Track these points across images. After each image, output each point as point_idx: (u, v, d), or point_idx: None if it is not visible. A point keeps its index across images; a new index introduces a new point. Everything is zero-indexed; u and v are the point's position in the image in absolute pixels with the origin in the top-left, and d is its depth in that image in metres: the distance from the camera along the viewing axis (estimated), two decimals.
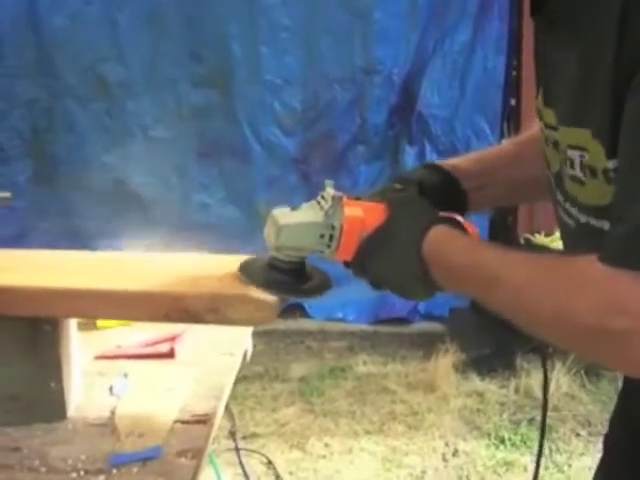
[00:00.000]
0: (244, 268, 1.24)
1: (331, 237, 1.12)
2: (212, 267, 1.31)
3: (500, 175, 1.27)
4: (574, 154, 0.92)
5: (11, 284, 1.27)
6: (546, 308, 0.86)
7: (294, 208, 1.15)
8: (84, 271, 1.36)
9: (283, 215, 1.14)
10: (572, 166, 0.94)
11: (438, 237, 1.04)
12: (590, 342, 0.83)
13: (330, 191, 1.13)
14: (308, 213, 1.14)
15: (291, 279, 1.18)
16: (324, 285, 1.22)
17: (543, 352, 1.32)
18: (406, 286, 1.09)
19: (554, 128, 0.98)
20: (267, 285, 1.19)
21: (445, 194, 1.21)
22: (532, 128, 1.20)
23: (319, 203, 1.14)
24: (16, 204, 4.00)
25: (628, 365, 0.83)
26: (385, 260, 1.09)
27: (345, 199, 1.13)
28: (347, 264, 1.14)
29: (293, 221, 1.13)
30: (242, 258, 1.27)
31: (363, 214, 1.11)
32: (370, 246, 1.10)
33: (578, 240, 0.99)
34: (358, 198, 1.15)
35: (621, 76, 0.81)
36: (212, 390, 1.48)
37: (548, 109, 1.01)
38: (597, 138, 0.87)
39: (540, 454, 1.37)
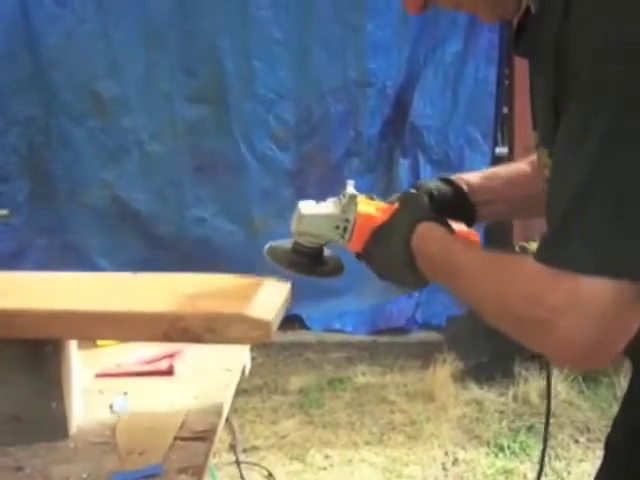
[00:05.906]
0: (270, 250, 1.37)
1: (345, 229, 1.29)
2: (210, 287, 1.34)
3: (510, 191, 1.38)
4: (544, 173, 1.02)
5: (12, 307, 1.29)
6: (490, 299, 0.99)
7: (318, 202, 1.33)
8: (83, 293, 1.38)
9: (306, 206, 1.32)
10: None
11: (425, 230, 1.18)
12: (521, 330, 0.94)
13: (349, 189, 1.30)
14: (328, 206, 1.32)
15: (310, 261, 1.35)
16: (338, 269, 1.38)
17: (548, 367, 1.40)
18: (400, 274, 1.22)
19: (537, 149, 1.07)
20: (289, 265, 1.35)
21: (455, 205, 1.34)
22: None
23: (340, 199, 1.31)
24: (14, 221, 4.03)
25: (551, 351, 0.92)
26: (384, 249, 1.23)
27: (361, 198, 1.29)
28: (358, 255, 1.30)
29: (313, 212, 1.31)
30: (238, 278, 1.33)
31: (375, 211, 1.28)
32: (375, 237, 1.25)
33: None
34: (372, 198, 1.32)
35: (558, 104, 0.92)
36: (211, 407, 1.49)
37: (536, 132, 1.08)
38: (551, 157, 0.96)
39: (542, 464, 1.43)
